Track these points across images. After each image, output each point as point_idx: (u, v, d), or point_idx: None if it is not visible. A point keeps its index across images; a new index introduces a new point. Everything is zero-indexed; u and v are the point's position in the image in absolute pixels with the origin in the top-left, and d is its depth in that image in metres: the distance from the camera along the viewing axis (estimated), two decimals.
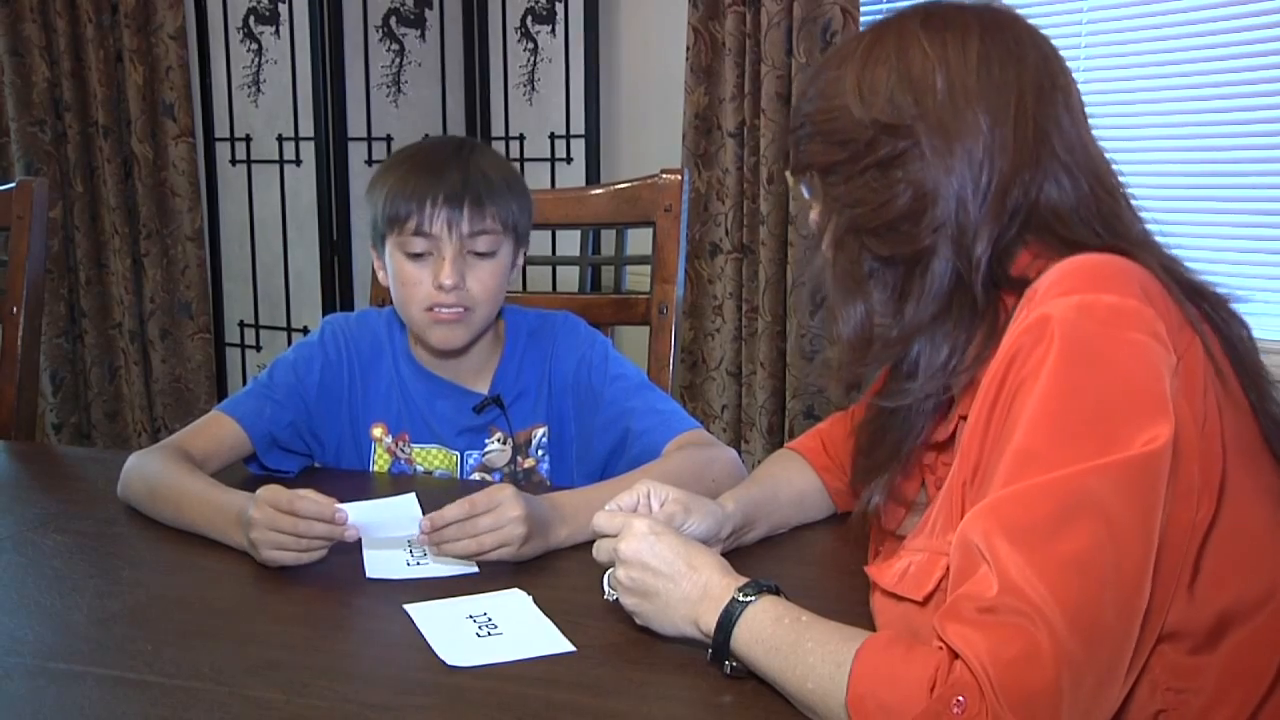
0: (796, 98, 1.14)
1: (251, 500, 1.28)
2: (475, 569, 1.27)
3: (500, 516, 1.24)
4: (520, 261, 1.64)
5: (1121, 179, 1.05)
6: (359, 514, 1.26)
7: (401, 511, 1.32)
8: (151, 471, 1.46)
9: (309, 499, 1.24)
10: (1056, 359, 0.88)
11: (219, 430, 1.56)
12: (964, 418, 1.01)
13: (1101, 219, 1.00)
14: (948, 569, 0.91)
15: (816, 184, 1.10)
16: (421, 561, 1.28)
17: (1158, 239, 1.03)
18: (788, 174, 1.18)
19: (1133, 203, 1.04)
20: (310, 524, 1.24)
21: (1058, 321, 0.89)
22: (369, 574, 1.26)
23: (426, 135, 3.69)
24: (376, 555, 1.30)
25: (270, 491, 1.26)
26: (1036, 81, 1.02)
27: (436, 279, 1.52)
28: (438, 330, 1.56)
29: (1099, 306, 0.89)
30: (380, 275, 1.62)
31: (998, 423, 0.92)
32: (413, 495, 1.36)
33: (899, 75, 1.02)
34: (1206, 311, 0.96)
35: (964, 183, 0.99)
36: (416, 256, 1.53)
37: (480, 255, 1.54)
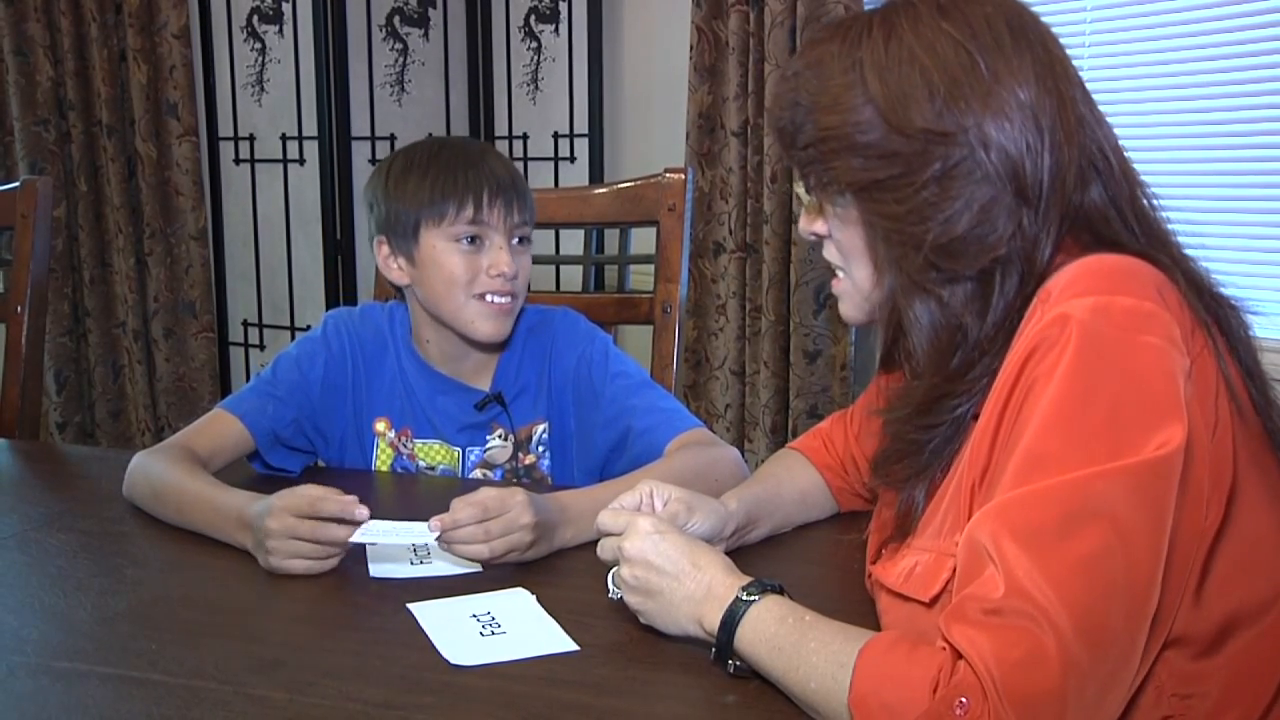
0: (786, 106, 1.04)
1: (258, 505, 1.27)
2: (479, 568, 1.27)
3: (511, 523, 1.24)
4: None
5: (1135, 167, 1.02)
6: (371, 531, 1.25)
7: (412, 529, 1.32)
8: (154, 472, 1.46)
9: (332, 499, 1.23)
10: (1071, 361, 0.87)
11: (222, 428, 1.56)
12: (973, 416, 1.01)
13: (1134, 211, 0.99)
14: (954, 570, 0.90)
15: (849, 202, 1.03)
16: (425, 561, 1.29)
17: (1175, 234, 1.01)
18: (800, 190, 1.10)
19: (1150, 193, 1.02)
20: (329, 529, 1.23)
21: (1076, 322, 0.87)
22: (373, 574, 1.26)
23: (430, 134, 3.69)
24: (380, 555, 1.30)
25: (286, 499, 1.25)
26: (1064, 69, 0.99)
27: (495, 267, 1.54)
28: (489, 321, 1.56)
29: (1115, 308, 0.88)
30: (395, 274, 1.61)
31: (1009, 422, 0.91)
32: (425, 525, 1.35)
33: (936, 76, 0.96)
34: (1217, 314, 0.95)
35: (1022, 185, 0.95)
36: (465, 246, 1.54)
37: (519, 245, 1.58)
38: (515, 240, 1.57)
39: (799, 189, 1.10)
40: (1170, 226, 1.01)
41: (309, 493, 1.25)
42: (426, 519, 1.28)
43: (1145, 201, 1.01)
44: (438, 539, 1.24)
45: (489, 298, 1.55)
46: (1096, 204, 0.98)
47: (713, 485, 1.37)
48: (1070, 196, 0.97)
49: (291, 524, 1.23)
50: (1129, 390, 0.86)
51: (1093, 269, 0.92)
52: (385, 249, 1.61)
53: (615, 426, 1.58)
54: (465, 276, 1.54)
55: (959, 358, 1.00)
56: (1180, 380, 0.87)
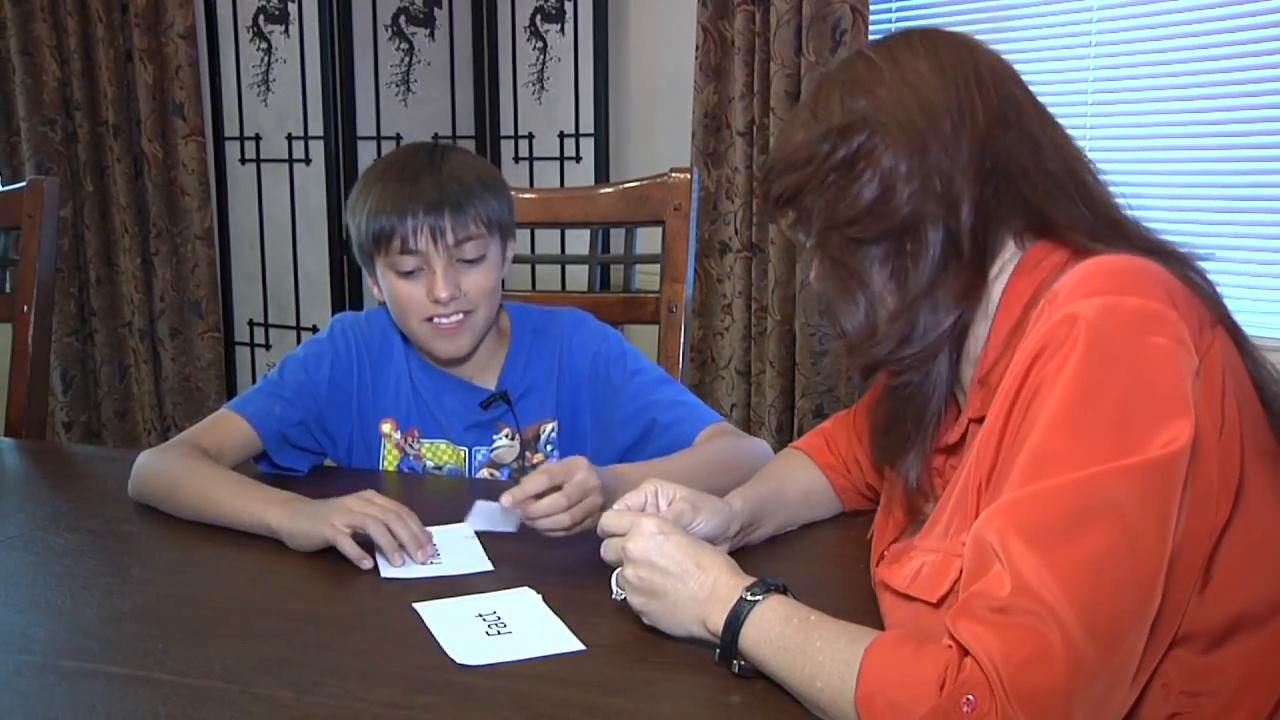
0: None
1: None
2: (490, 566, 1.27)
3: (583, 486, 1.25)
4: (510, 256, 1.64)
5: (1089, 156, 1.06)
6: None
7: (459, 538, 1.34)
8: (172, 464, 1.48)
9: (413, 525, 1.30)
10: (1079, 361, 0.87)
11: (229, 428, 1.57)
12: (974, 420, 1.02)
13: (1078, 187, 1.01)
14: (961, 571, 0.90)
15: (793, 217, 1.10)
16: (434, 561, 1.29)
17: (1127, 212, 1.03)
18: (781, 224, 1.19)
19: (1102, 178, 1.04)
20: (409, 528, 1.28)
21: (1084, 322, 0.88)
22: (383, 575, 1.26)
23: (436, 135, 3.69)
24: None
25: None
26: (991, 66, 1.03)
27: (431, 293, 1.52)
28: (440, 342, 1.57)
29: (1123, 308, 0.88)
30: (375, 291, 1.63)
31: (1016, 422, 0.91)
32: (469, 525, 1.38)
33: (845, 86, 1.05)
34: (1221, 310, 0.95)
35: (932, 152, 1.00)
36: (408, 274, 1.53)
37: (470, 262, 1.55)
38: (470, 257, 1.54)
39: (770, 222, 1.17)
40: (1120, 203, 1.04)
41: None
42: (442, 521, 1.35)
43: (1096, 182, 1.03)
44: (518, 517, 1.27)
45: (436, 320, 1.55)
46: (1021, 164, 1.01)
47: (745, 474, 1.39)
48: (994, 166, 1.00)
49: (385, 508, 1.30)
50: (1136, 389, 0.86)
51: (1100, 269, 0.92)
52: (365, 269, 1.62)
53: (638, 422, 1.59)
54: (409, 302, 1.54)
55: (888, 327, 1.03)
56: (1188, 380, 0.87)
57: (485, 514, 1.33)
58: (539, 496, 1.24)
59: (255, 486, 1.42)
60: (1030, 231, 1.02)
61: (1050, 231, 1.00)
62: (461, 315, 1.55)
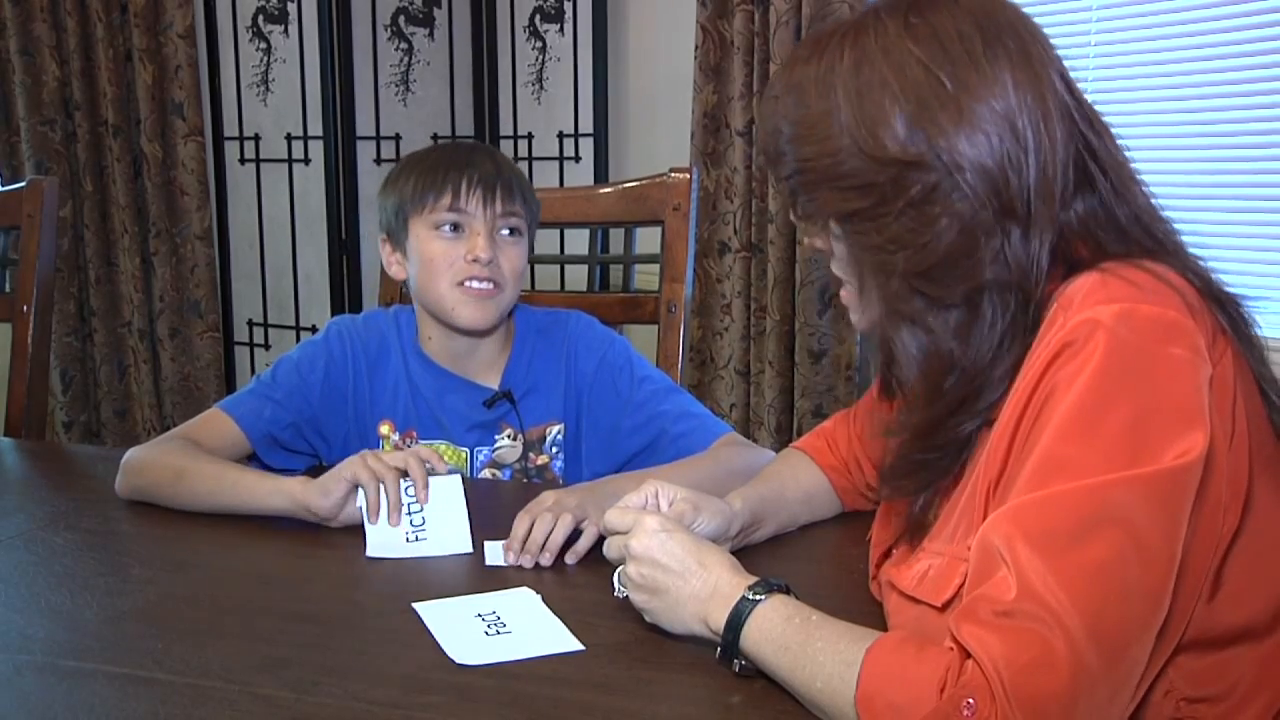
0: (770, 132, 1.03)
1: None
2: (470, 548, 1.32)
3: (559, 502, 1.30)
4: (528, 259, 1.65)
5: (1135, 165, 1.00)
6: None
7: (446, 498, 1.37)
8: (174, 455, 1.49)
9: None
10: (1096, 367, 0.86)
11: (219, 428, 1.57)
12: (987, 423, 1.00)
13: (1130, 212, 0.97)
14: (967, 576, 0.90)
15: (835, 230, 1.02)
16: (420, 538, 1.32)
17: (1176, 232, 0.99)
18: (792, 216, 1.09)
19: (1149, 190, 1.00)
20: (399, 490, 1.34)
21: (1104, 329, 0.87)
22: (369, 553, 1.29)
23: (435, 135, 3.69)
24: (377, 534, 1.33)
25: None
26: (1043, 69, 0.96)
27: (471, 253, 1.55)
28: (469, 307, 1.57)
29: (1139, 317, 0.87)
30: (394, 269, 1.64)
31: (1027, 426, 0.90)
32: (458, 476, 1.40)
33: (905, 101, 0.94)
34: (1231, 316, 0.94)
35: (1006, 199, 0.93)
36: (448, 232, 1.56)
37: (508, 237, 1.59)
38: (505, 231, 1.59)
39: (792, 215, 1.10)
40: (1167, 218, 1.00)
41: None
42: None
43: (1141, 201, 0.99)
44: (512, 556, 1.30)
45: (469, 284, 1.56)
46: (1089, 217, 0.96)
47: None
48: (1060, 207, 0.94)
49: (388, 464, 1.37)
50: (1153, 399, 0.85)
51: (1115, 276, 0.90)
52: (388, 246, 1.65)
53: (646, 431, 1.60)
54: (445, 262, 1.56)
55: (952, 384, 0.98)
56: (1205, 391, 0.86)
57: (496, 553, 1.33)
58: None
59: (266, 474, 1.48)
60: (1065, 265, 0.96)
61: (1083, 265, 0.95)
62: (492, 285, 1.57)
